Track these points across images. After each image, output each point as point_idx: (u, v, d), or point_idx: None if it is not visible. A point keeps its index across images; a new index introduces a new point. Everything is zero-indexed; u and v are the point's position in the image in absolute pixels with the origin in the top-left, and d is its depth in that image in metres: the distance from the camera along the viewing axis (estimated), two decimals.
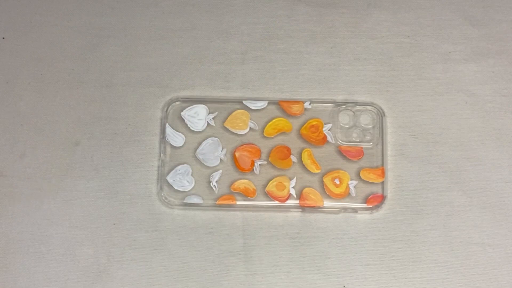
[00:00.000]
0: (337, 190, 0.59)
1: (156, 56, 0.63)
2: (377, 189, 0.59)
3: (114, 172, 0.60)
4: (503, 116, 0.61)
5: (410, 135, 0.61)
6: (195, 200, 0.59)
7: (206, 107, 0.61)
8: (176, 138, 0.60)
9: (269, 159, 0.60)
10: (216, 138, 0.60)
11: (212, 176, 0.60)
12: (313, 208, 0.59)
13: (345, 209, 0.59)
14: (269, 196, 0.59)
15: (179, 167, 0.60)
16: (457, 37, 0.63)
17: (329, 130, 0.60)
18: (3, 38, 0.63)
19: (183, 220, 0.59)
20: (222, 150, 0.60)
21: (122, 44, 0.63)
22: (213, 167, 0.60)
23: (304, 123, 0.61)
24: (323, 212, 0.59)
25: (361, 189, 0.59)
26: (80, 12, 0.64)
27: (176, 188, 0.59)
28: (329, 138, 0.60)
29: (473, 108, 0.62)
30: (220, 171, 0.60)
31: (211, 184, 0.59)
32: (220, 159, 0.60)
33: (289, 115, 0.61)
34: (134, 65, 0.63)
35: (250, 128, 0.60)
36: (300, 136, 0.60)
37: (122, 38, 0.63)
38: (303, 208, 0.59)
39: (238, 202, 0.59)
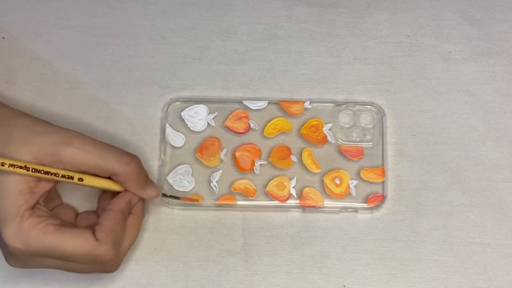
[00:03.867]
0: (337, 190, 0.59)
1: (156, 56, 0.63)
2: (378, 189, 0.59)
3: None
4: (503, 116, 0.61)
5: (410, 135, 0.61)
6: None
7: (206, 107, 0.61)
8: (176, 138, 0.60)
9: (269, 159, 0.60)
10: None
11: (213, 176, 0.59)
12: (313, 208, 0.59)
13: (345, 209, 0.59)
14: (269, 196, 0.59)
15: (180, 167, 0.60)
16: (457, 37, 0.63)
17: (329, 130, 0.60)
18: (3, 38, 0.63)
19: (183, 220, 0.59)
20: (222, 150, 0.60)
21: (122, 44, 0.63)
22: (214, 167, 0.60)
23: (304, 123, 0.61)
24: (324, 212, 0.59)
25: (362, 188, 0.59)
26: (80, 12, 0.64)
27: (176, 188, 0.59)
28: (329, 138, 0.60)
29: (473, 108, 0.62)
30: (221, 171, 0.60)
31: (211, 184, 0.59)
32: (221, 159, 0.60)
33: (289, 115, 0.61)
34: (134, 65, 0.63)
35: (251, 128, 0.60)
36: (300, 136, 0.60)
37: (122, 38, 0.63)
38: (303, 208, 0.59)
39: (238, 202, 0.59)
